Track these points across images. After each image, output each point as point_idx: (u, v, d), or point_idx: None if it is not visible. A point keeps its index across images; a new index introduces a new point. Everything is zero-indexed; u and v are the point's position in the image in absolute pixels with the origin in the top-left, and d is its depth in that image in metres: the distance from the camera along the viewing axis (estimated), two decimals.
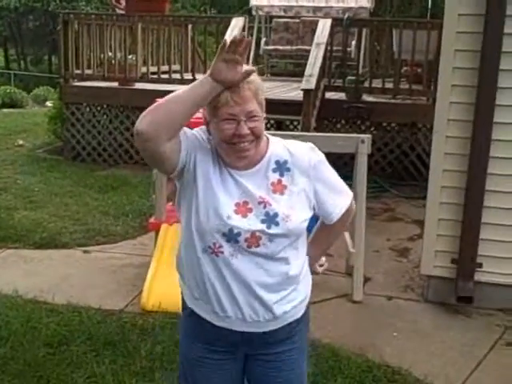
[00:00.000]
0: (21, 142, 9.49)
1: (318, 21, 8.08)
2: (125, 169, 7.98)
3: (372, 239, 5.04)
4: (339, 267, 4.77)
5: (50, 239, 5.35)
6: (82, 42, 8.41)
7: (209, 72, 1.79)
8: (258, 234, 1.84)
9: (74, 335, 3.67)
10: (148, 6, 9.13)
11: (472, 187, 4.13)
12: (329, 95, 7.72)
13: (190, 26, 9.08)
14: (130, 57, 8.36)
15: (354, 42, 8.85)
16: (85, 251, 5.19)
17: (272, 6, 10.34)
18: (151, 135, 1.75)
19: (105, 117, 8.50)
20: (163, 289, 4.13)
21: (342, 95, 7.74)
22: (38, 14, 27.56)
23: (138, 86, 8.35)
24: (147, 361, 3.41)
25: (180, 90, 1.81)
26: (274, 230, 1.84)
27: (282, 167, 1.90)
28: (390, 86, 7.66)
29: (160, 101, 1.79)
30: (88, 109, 8.53)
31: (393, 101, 7.60)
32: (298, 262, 1.95)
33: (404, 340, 3.80)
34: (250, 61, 9.70)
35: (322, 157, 1.96)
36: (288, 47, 10.24)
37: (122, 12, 9.79)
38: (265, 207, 1.86)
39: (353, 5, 10.07)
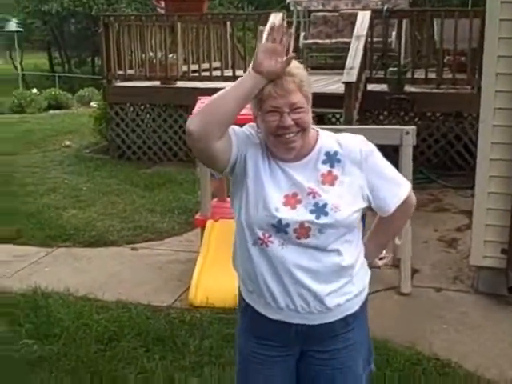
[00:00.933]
0: (68, 143, 9.69)
1: (357, 13, 8.02)
2: (169, 166, 8.06)
3: (419, 230, 4.99)
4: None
5: (99, 237, 5.45)
6: (123, 43, 8.53)
7: (251, 66, 1.81)
8: (306, 224, 1.84)
9: (124, 331, 3.73)
10: (187, 5, 9.20)
11: None
12: (371, 87, 7.64)
13: (228, 23, 9.11)
14: (170, 56, 8.43)
15: (394, 33, 8.75)
16: (133, 248, 5.27)
17: (310, 1, 10.30)
18: (201, 135, 1.79)
19: (148, 116, 8.61)
20: (210, 284, 4.17)
21: (384, 87, 7.66)
22: (80, 17, 28.02)
23: (180, 84, 8.42)
24: (196, 356, 3.45)
25: (226, 87, 1.82)
26: (323, 220, 1.84)
27: (332, 158, 1.91)
28: (432, 75, 7.54)
29: (208, 100, 1.82)
30: (132, 108, 8.65)
31: (436, 90, 7.48)
32: (351, 253, 1.93)
33: (454, 332, 3.75)
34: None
35: (374, 148, 1.96)
36: (327, 41, 10.17)
37: (163, 11, 9.89)
38: (314, 197, 1.86)
39: None
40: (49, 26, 29.82)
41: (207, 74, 8.27)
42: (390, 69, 7.63)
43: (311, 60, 11.14)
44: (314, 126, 1.97)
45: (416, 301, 4.19)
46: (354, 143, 1.94)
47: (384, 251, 2.19)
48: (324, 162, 1.91)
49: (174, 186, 7.09)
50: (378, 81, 7.72)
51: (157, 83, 8.49)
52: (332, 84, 8.35)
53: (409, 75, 7.61)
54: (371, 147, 1.95)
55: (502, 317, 3.93)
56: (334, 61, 11.39)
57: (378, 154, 1.96)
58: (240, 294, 2.05)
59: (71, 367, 3.37)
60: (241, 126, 1.97)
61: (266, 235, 1.87)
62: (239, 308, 2.08)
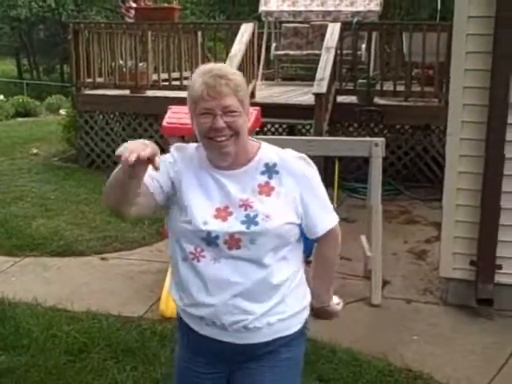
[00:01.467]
0: (35, 151, 9.56)
1: (327, 25, 8.11)
2: None
3: (389, 242, 5.04)
4: (357, 271, 4.78)
5: (68, 247, 5.38)
6: (92, 50, 8.46)
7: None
8: (237, 235, 1.84)
9: (94, 342, 3.69)
10: (158, 14, 9.20)
11: (488, 188, 4.12)
12: (340, 99, 7.73)
13: (199, 33, 9.11)
14: (140, 64, 8.40)
15: (363, 46, 8.87)
16: (102, 258, 5.22)
17: (281, 12, 10.38)
18: (117, 212, 1.91)
19: (118, 124, 8.55)
20: None
21: (353, 98, 7.76)
22: (49, 23, 27.76)
23: (150, 93, 8.39)
24: (167, 367, 3.41)
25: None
26: (252, 229, 1.83)
27: (270, 170, 1.92)
28: (401, 88, 7.66)
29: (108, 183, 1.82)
30: (101, 116, 8.58)
31: (405, 103, 7.59)
32: (284, 271, 1.90)
33: (425, 344, 3.79)
34: (261, 65, 9.76)
35: (315, 170, 1.97)
36: (298, 52, 10.28)
37: (132, 20, 9.85)
38: (246, 209, 1.86)
39: (362, 9, 10.11)
40: (17, 31, 29.45)
41: (177, 83, 8.26)
42: (360, 81, 7.73)
43: (282, 71, 11.24)
44: (255, 138, 2.01)
45: (386, 312, 4.23)
46: (294, 159, 1.95)
47: (337, 298, 2.21)
48: (262, 173, 1.91)
49: None
50: (348, 92, 7.81)
51: (126, 92, 8.45)
52: (302, 95, 8.42)
53: (378, 87, 7.72)
54: (313, 169, 1.96)
55: (472, 329, 3.99)
56: (305, 72, 11.50)
57: (317, 177, 1.97)
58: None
59: (40, 378, 3.33)
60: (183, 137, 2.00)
61: (198, 249, 1.87)
62: (177, 320, 2.07)
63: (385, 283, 4.54)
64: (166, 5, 10.81)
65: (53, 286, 4.60)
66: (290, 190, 1.90)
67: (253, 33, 7.80)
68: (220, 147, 1.85)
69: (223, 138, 1.84)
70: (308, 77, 10.38)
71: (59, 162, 8.92)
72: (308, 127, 7.98)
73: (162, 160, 1.86)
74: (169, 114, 4.53)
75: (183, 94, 7.41)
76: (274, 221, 1.85)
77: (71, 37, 8.41)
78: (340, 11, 9.99)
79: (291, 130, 8.47)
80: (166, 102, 7.20)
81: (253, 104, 7.76)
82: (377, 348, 3.65)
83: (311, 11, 10.22)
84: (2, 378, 3.31)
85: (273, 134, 8.65)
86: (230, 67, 1.95)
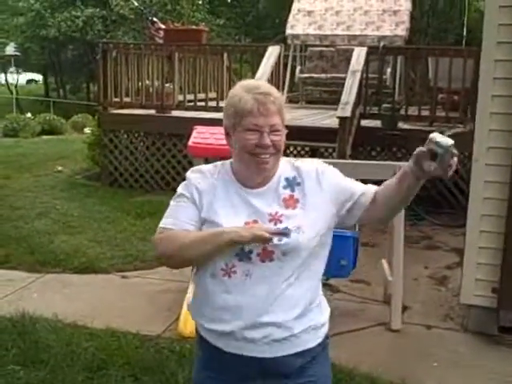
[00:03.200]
0: (60, 168, 9.69)
1: (352, 49, 8.15)
2: (161, 195, 8.01)
3: (410, 267, 4.98)
4: (377, 295, 4.74)
5: (89, 264, 5.41)
6: (120, 70, 8.59)
7: (226, 236, 1.82)
8: (270, 248, 1.84)
9: (113, 360, 3.69)
10: (186, 35, 9.32)
11: None
12: (364, 123, 7.73)
13: (225, 55, 9.21)
14: (167, 85, 8.50)
15: (389, 70, 8.88)
16: (123, 276, 5.24)
17: (307, 35, 10.45)
18: (179, 266, 2.04)
19: (142, 143, 8.64)
20: None
21: (377, 123, 7.74)
22: (77, 43, 28.23)
23: (175, 113, 8.48)
24: None
25: (194, 237, 1.87)
26: (284, 241, 1.84)
27: (292, 183, 1.94)
28: (426, 113, 7.64)
29: (176, 243, 1.87)
30: (126, 136, 8.68)
31: (429, 128, 7.56)
32: (310, 282, 1.92)
33: (444, 370, 3.72)
34: (285, 89, 9.82)
35: (330, 166, 1.99)
36: (323, 75, 10.32)
37: (161, 41, 10.00)
38: (275, 224, 1.87)
39: (388, 33, 10.13)
40: (46, 50, 29.99)
41: (203, 104, 8.33)
42: (384, 105, 7.73)
43: (306, 94, 11.28)
44: None
45: (406, 338, 4.17)
46: (308, 165, 1.98)
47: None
48: (285, 187, 1.93)
49: None
50: (372, 117, 7.80)
51: (152, 111, 8.54)
52: (326, 118, 8.44)
53: (402, 112, 7.70)
54: (326, 165, 1.99)
55: (493, 356, 3.92)
56: (329, 95, 11.53)
57: (333, 169, 2.00)
58: (196, 328, 2.02)
59: None
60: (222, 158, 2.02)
61: (229, 265, 1.87)
62: (196, 340, 2.05)
63: (405, 308, 4.49)
64: (193, 27, 10.94)
65: (73, 303, 4.62)
66: (316, 198, 1.91)
67: (279, 55, 7.85)
68: (262, 163, 1.88)
69: (267, 156, 1.88)
70: (332, 100, 10.42)
71: (83, 179, 9.03)
72: (331, 150, 7.99)
73: (185, 194, 1.94)
74: (194, 134, 4.57)
75: (208, 114, 7.50)
76: (306, 233, 1.86)
77: (100, 56, 8.55)
78: (366, 35, 10.02)
79: (313, 153, 8.48)
80: (191, 123, 7.26)
81: None
82: (396, 373, 3.60)
83: (337, 35, 10.26)
84: None
85: (295, 156, 8.67)
86: (272, 86, 1.95)
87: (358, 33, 10.29)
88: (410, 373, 3.64)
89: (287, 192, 1.92)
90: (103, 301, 4.71)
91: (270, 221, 1.87)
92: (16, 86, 30.38)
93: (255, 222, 1.87)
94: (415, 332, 4.25)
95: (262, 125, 1.85)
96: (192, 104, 8.42)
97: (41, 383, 3.44)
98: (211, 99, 8.48)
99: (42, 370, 3.56)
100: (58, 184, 8.69)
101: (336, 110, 7.14)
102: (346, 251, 4.30)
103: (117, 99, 8.64)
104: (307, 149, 8.65)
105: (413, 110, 7.75)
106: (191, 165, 3.72)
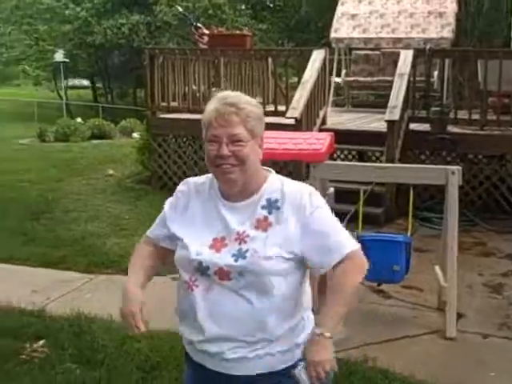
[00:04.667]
0: (110, 172, 9.86)
1: (398, 52, 8.09)
2: None
3: (463, 274, 4.89)
4: (430, 302, 4.68)
5: None
6: (167, 75, 8.70)
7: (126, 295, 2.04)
8: (226, 268, 1.85)
9: (166, 361, 3.73)
10: (231, 40, 9.38)
11: None
12: (413, 126, 7.65)
13: (270, 60, 9.22)
14: (213, 89, 8.57)
15: (436, 73, 8.77)
16: (174, 278, 5.27)
17: (352, 39, 10.41)
18: None
19: (190, 148, 8.73)
20: None
21: (426, 126, 7.65)
22: (123, 50, 28.71)
23: None
24: None
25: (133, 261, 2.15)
26: (239, 263, 1.84)
27: (271, 205, 1.90)
28: (476, 117, 7.51)
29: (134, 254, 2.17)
30: (174, 140, 8.78)
31: (480, 132, 7.44)
32: (274, 305, 1.87)
33: (502, 380, 3.65)
34: (331, 92, 9.79)
35: (322, 202, 1.93)
36: (368, 78, 10.26)
37: (205, 47, 10.09)
38: (240, 244, 1.87)
39: (434, 35, 10.01)
40: (93, 57, 30.59)
41: None
42: (433, 108, 7.64)
43: (352, 98, 11.23)
44: (268, 168, 2.00)
45: (462, 346, 4.10)
46: (298, 195, 1.91)
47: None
48: (263, 208, 1.90)
49: None
50: (420, 120, 7.72)
51: (199, 116, 8.58)
52: (373, 122, 8.39)
53: (452, 115, 7.60)
54: (317, 201, 1.92)
55: None
56: (375, 99, 11.46)
57: (323, 208, 1.92)
58: None
59: None
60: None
61: (193, 279, 1.91)
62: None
63: (459, 316, 4.40)
64: (238, 32, 11.00)
65: None
66: (290, 225, 1.87)
67: (324, 59, 7.84)
68: (224, 173, 1.87)
69: (228, 166, 1.86)
70: (378, 104, 10.34)
71: (133, 183, 9.17)
72: (378, 154, 7.94)
73: (165, 208, 2.06)
74: None
75: None
76: (261, 257, 1.83)
77: (147, 62, 8.67)
78: (412, 38, 9.92)
79: (361, 157, 8.44)
80: None
81: (323, 130, 7.82)
82: (452, 382, 3.55)
83: (382, 38, 10.20)
84: None
85: (342, 160, 8.64)
86: (248, 97, 1.93)
87: (403, 35, 10.19)
88: (467, 382, 3.59)
89: (263, 213, 1.90)
90: (155, 302, 4.72)
91: (236, 239, 1.87)
92: (65, 92, 31.05)
93: (223, 238, 1.89)
94: (471, 340, 4.17)
95: (221, 135, 1.85)
96: None
97: (97, 382, 3.51)
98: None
99: (97, 370, 3.64)
100: (109, 187, 8.85)
101: (383, 113, 7.10)
102: (399, 256, 4.28)
103: (164, 104, 8.75)
104: (354, 153, 8.61)
105: (463, 114, 7.62)
106: None
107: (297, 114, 6.99)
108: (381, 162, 7.59)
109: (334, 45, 10.41)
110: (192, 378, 2.08)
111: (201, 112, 7.52)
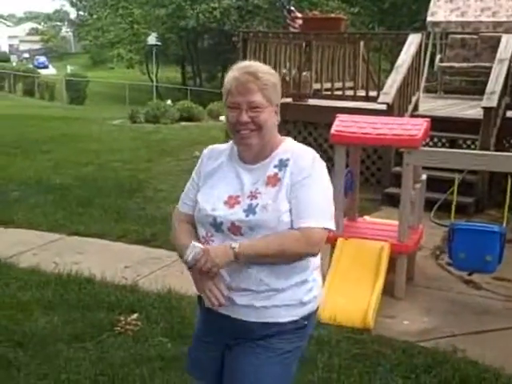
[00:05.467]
0: (197, 154, 10.02)
1: (497, 37, 7.78)
2: None
3: None
4: None
5: None
6: (259, 59, 8.73)
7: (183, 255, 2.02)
8: (237, 223, 2.00)
9: None
10: (325, 23, 9.30)
11: None
12: (510, 114, 7.35)
13: (361, 44, 9.08)
14: (304, 73, 8.54)
15: None
16: None
17: (449, 22, 10.11)
18: None
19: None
20: (339, 303, 4.16)
21: None
22: (213, 33, 29.08)
23: (311, 101, 8.50)
24: (324, 372, 3.45)
25: (176, 236, 2.18)
26: (250, 218, 1.98)
27: (282, 163, 2.05)
28: None
29: (176, 232, 2.20)
30: None
31: None
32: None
33: None
34: (424, 77, 9.55)
35: (323, 172, 2.05)
36: (464, 64, 9.93)
37: (296, 30, 10.05)
38: (251, 199, 2.02)
39: None
40: (184, 40, 31.15)
41: (339, 93, 8.28)
42: None
43: (445, 83, 10.91)
44: (284, 137, 2.11)
45: None
46: (305, 154, 2.06)
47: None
48: (275, 166, 2.05)
49: None
50: None
51: (288, 100, 8.62)
52: (467, 109, 8.14)
53: None
54: (319, 169, 2.04)
55: None
56: (470, 85, 11.08)
57: (320, 177, 2.03)
58: None
59: None
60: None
61: (209, 234, 2.07)
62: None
63: None
64: (332, 15, 10.89)
65: None
66: (290, 180, 2.02)
67: (420, 44, 7.65)
68: (243, 138, 2.02)
69: (246, 132, 2.01)
70: (473, 90, 10.00)
71: None
72: (469, 142, 7.69)
73: (193, 175, 2.24)
74: (337, 122, 4.58)
75: (345, 103, 7.41)
76: (269, 211, 1.98)
77: (240, 45, 8.74)
78: None
79: (452, 144, 8.19)
80: (327, 111, 7.30)
81: (414, 116, 7.62)
82: None
83: (481, 22, 9.84)
84: (169, 364, 3.51)
85: (431, 147, 8.41)
86: (266, 66, 2.06)
87: (504, 19, 9.81)
88: None
89: (274, 170, 2.05)
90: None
91: (248, 197, 2.02)
92: (156, 75, 31.80)
93: (237, 196, 2.03)
94: None
95: (240, 102, 2.00)
96: (329, 93, 8.40)
97: (187, 356, 3.60)
98: (349, 88, 8.42)
99: (188, 344, 3.71)
100: None
101: (476, 100, 6.87)
102: (492, 246, 4.17)
103: None
104: (444, 140, 8.38)
105: None
106: (325, 153, 3.69)
107: (389, 99, 6.87)
108: (473, 149, 7.35)
109: (429, 29, 10.14)
110: (202, 320, 2.25)
111: (290, 96, 7.53)
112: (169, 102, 17.39)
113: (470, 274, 4.61)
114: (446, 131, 7.48)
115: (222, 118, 13.84)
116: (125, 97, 27.34)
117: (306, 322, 2.11)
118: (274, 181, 2.03)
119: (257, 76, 1.99)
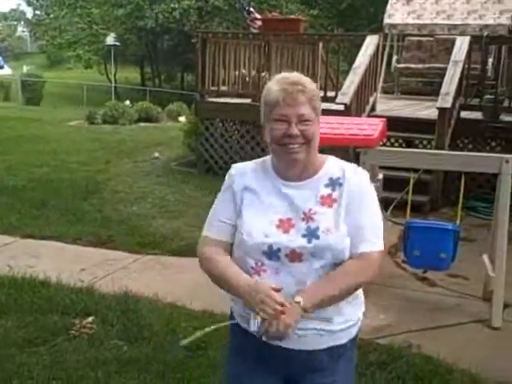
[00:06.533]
0: (156, 155, 9.98)
1: (452, 39, 7.93)
2: None
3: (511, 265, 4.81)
4: (475, 291, 4.61)
5: (188, 247, 5.52)
6: (218, 59, 8.71)
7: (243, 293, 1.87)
8: (298, 250, 1.85)
9: (211, 341, 3.77)
10: (284, 25, 9.33)
11: None
12: (464, 114, 7.49)
13: (320, 45, 9.14)
14: (263, 74, 8.55)
15: (490, 60, 8.56)
16: None
17: (406, 25, 10.26)
18: None
19: (237, 132, 8.76)
20: None
21: (477, 115, 7.49)
22: (173, 34, 28.90)
23: None
24: None
25: (231, 272, 1.93)
26: (313, 243, 1.84)
27: (334, 183, 1.93)
28: None
29: (216, 270, 1.99)
30: (221, 124, 8.82)
31: None
32: None
33: None
34: (381, 78, 9.66)
35: (373, 189, 1.97)
36: (420, 65, 10.09)
37: (256, 31, 10.06)
38: (307, 222, 1.87)
39: (491, 22, 9.79)
40: (143, 41, 30.89)
41: None
42: (486, 96, 7.47)
43: (402, 84, 11.07)
44: (323, 155, 2.00)
45: (507, 336, 4.04)
46: (356, 173, 1.96)
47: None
48: (326, 186, 1.92)
49: None
50: (473, 108, 7.57)
51: (248, 100, 8.62)
52: (423, 109, 8.26)
53: (505, 104, 7.42)
54: (371, 187, 1.96)
55: None
56: (425, 86, 11.26)
57: (373, 195, 1.96)
58: (232, 315, 2.10)
59: (160, 370, 3.45)
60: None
61: (259, 263, 1.89)
62: (231, 329, 2.11)
63: (505, 306, 4.33)
64: (292, 16, 10.95)
65: (172, 284, 4.76)
66: (345, 200, 1.90)
67: (377, 45, 7.74)
68: (291, 153, 1.88)
69: (296, 146, 1.87)
70: (428, 91, 10.17)
71: (178, 166, 9.27)
72: (425, 142, 7.80)
73: (225, 192, 2.00)
74: None
75: None
76: (334, 234, 1.85)
77: (199, 46, 8.70)
78: (468, 24, 9.73)
79: (408, 145, 8.31)
80: None
81: (372, 117, 7.71)
82: (497, 372, 3.50)
83: (437, 24, 10.02)
84: (125, 367, 3.46)
85: (389, 147, 8.51)
86: (307, 77, 1.95)
87: (459, 22, 10.00)
88: (511, 371, 3.53)
89: (327, 190, 1.91)
90: (201, 283, 4.74)
91: (303, 219, 1.87)
92: (115, 75, 31.43)
93: (289, 219, 1.87)
94: None
95: (289, 115, 1.86)
96: None
97: (144, 358, 3.57)
98: None
99: (144, 347, 3.70)
100: (155, 170, 8.96)
101: (431, 100, 6.98)
102: (446, 244, 4.23)
103: (214, 88, 8.78)
104: (401, 140, 8.49)
105: None
106: None
107: (347, 99, 6.93)
108: (429, 149, 7.46)
109: (387, 30, 10.27)
110: (239, 346, 2.08)
111: (249, 96, 7.53)
112: (127, 102, 17.19)
113: (424, 272, 4.68)
114: (402, 131, 7.57)
115: (181, 118, 13.77)
116: (82, 97, 26.96)
117: (355, 343, 2.09)
118: (329, 201, 1.89)
119: (305, 86, 1.87)
